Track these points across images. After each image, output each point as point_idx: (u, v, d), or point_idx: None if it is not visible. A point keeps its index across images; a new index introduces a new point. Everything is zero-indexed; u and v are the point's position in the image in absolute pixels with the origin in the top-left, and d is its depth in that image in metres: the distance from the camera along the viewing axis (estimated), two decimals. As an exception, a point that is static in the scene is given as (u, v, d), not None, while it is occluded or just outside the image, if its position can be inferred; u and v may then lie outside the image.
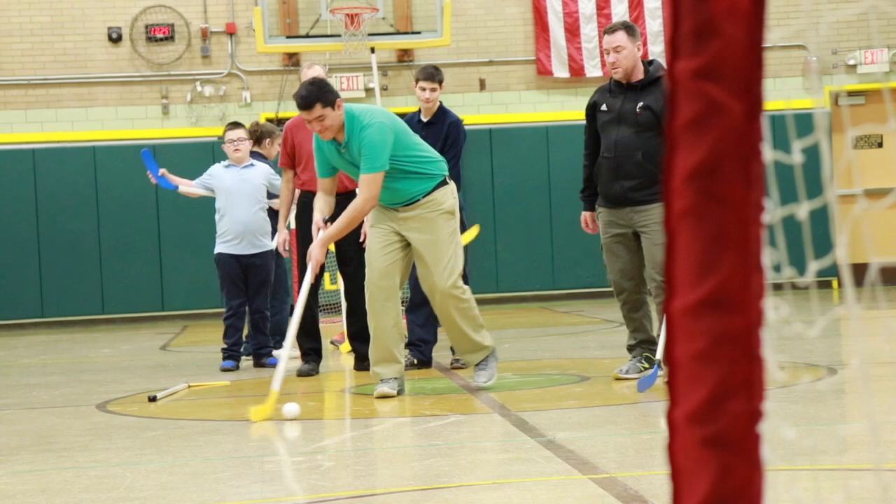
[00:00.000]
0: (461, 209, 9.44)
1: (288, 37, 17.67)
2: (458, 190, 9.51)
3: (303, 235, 9.55)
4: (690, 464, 1.50)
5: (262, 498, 5.01)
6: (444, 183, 8.05)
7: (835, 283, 17.17)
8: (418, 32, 17.36)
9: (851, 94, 18.58)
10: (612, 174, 8.09)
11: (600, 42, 18.11)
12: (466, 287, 8.08)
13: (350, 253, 9.57)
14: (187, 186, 10.59)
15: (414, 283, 9.15)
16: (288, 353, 7.96)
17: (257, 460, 5.90)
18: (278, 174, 10.48)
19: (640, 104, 8.04)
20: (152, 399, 8.33)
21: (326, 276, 12.09)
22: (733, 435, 1.49)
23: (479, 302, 8.50)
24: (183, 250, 17.51)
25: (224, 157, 10.60)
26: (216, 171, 10.45)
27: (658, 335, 8.06)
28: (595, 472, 5.15)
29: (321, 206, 8.07)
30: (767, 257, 1.52)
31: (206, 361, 11.10)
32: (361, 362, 9.67)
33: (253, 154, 10.83)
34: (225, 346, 10.39)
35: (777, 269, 1.62)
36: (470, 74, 18.49)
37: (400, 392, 7.95)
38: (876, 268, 1.80)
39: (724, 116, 1.47)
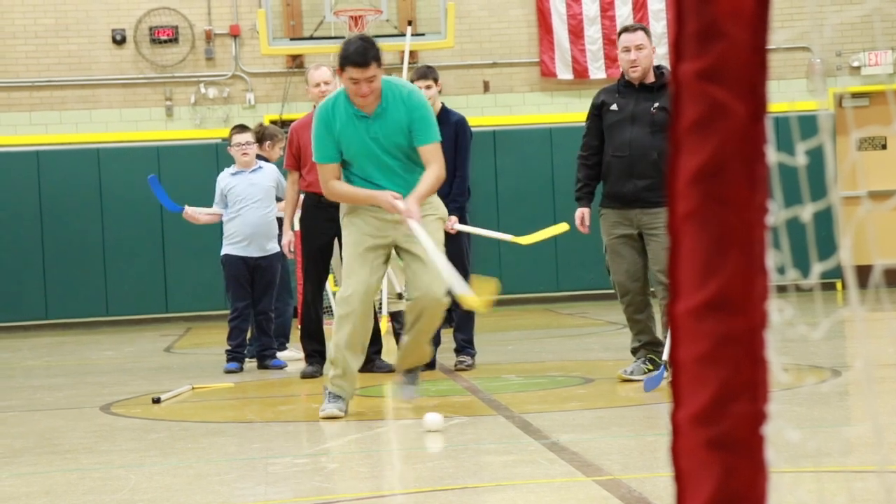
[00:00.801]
0: (466, 210, 9.45)
1: (292, 39, 17.68)
2: (468, 190, 9.51)
3: (307, 237, 9.55)
4: (694, 465, 1.50)
5: (265, 500, 5.01)
6: None
7: (839, 285, 17.16)
8: (422, 34, 17.36)
9: (855, 95, 18.57)
10: (626, 173, 8.07)
11: (604, 44, 18.12)
12: None
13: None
14: (196, 213, 10.53)
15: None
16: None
17: (261, 462, 5.90)
18: (283, 176, 10.49)
19: (657, 104, 8.04)
20: (156, 401, 8.33)
21: (331, 277, 12.08)
22: (737, 436, 1.49)
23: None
24: (187, 252, 17.51)
25: (227, 160, 10.59)
26: (224, 179, 10.44)
27: (664, 336, 8.05)
28: (599, 473, 5.14)
29: (353, 186, 7.16)
30: (771, 259, 1.52)
31: (210, 363, 11.10)
32: (365, 364, 9.66)
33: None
34: (229, 347, 10.39)
35: (781, 271, 1.62)
36: (474, 76, 18.50)
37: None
38: (880, 270, 1.80)
39: (728, 118, 1.47)
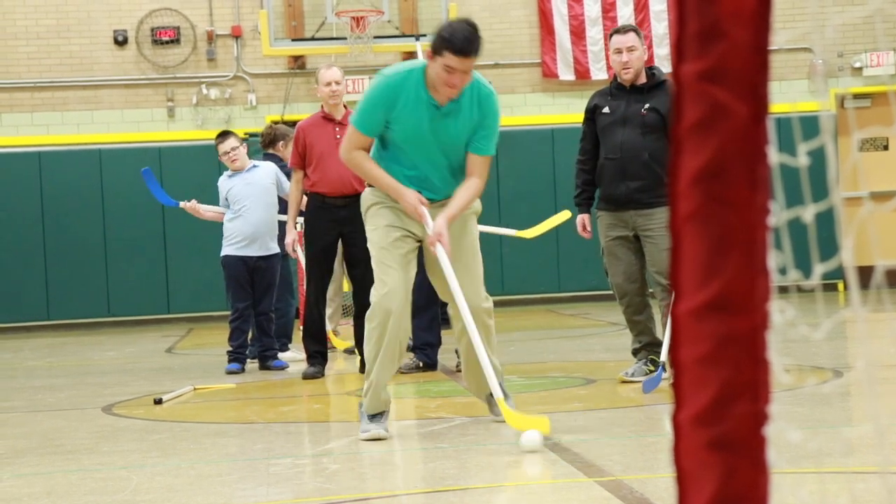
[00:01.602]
0: None
1: (293, 40, 17.68)
2: None
3: (311, 237, 9.56)
4: (696, 466, 1.50)
5: (267, 500, 5.01)
6: None
7: (840, 286, 17.16)
8: (423, 35, 17.37)
9: (857, 96, 18.56)
10: (618, 175, 8.08)
11: (606, 45, 18.12)
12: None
13: (358, 255, 9.57)
14: (199, 207, 10.54)
15: (417, 284, 9.11)
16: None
17: (263, 463, 5.91)
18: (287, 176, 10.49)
19: (647, 105, 8.05)
20: (158, 402, 8.33)
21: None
22: (739, 437, 1.49)
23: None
24: (188, 252, 17.52)
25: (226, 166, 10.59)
26: (223, 182, 10.44)
27: (663, 337, 8.05)
28: (600, 474, 5.14)
29: (379, 167, 6.43)
30: (773, 260, 1.52)
31: (212, 364, 11.10)
32: (366, 365, 9.67)
33: (268, 156, 10.85)
34: (230, 348, 10.39)
35: (783, 271, 1.62)
36: (475, 77, 18.48)
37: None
38: (882, 270, 1.80)
39: (729, 119, 1.47)
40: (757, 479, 1.50)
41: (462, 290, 6.30)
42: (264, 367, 10.37)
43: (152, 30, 18.08)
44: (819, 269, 1.73)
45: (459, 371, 9.49)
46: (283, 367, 10.33)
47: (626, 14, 18.20)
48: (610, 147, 8.11)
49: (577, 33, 18.33)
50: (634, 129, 8.04)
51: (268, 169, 10.44)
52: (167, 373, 10.75)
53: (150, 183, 10.75)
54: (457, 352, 9.50)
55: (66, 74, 17.91)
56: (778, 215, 1.56)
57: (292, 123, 15.70)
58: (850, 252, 1.73)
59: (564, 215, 10.28)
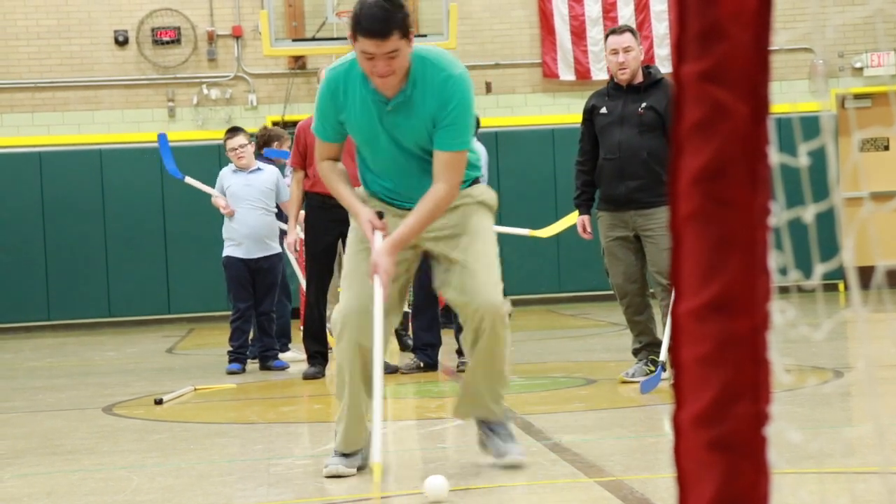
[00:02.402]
0: None
1: (294, 40, 17.68)
2: None
3: (311, 237, 9.56)
4: (696, 466, 1.50)
5: (267, 501, 5.01)
6: (476, 182, 5.65)
7: (841, 286, 17.15)
8: (424, 35, 17.36)
9: (858, 96, 18.56)
10: (617, 175, 8.08)
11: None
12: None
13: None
14: (197, 183, 10.66)
15: (417, 284, 9.13)
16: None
17: (263, 463, 5.90)
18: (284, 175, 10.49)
19: (644, 105, 8.05)
20: (158, 402, 8.33)
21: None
22: (739, 438, 1.49)
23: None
24: (189, 253, 17.52)
25: (229, 162, 10.60)
26: (224, 175, 10.46)
27: (663, 337, 8.05)
28: (601, 475, 5.14)
29: (344, 182, 5.50)
30: (773, 260, 1.52)
31: (213, 364, 11.10)
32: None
33: (261, 158, 10.86)
34: (231, 348, 10.39)
35: (783, 272, 1.62)
36: (476, 77, 18.50)
37: (361, 468, 5.52)
38: (882, 271, 1.80)
39: (730, 119, 1.47)
40: (757, 480, 1.50)
41: (482, 293, 5.29)
42: (265, 367, 10.37)
43: (153, 30, 18.08)
44: (819, 269, 1.73)
45: (460, 371, 9.50)
46: (283, 368, 10.33)
47: (626, 14, 18.20)
48: (608, 147, 8.11)
49: (578, 33, 18.33)
50: (632, 129, 8.04)
51: (270, 174, 10.45)
52: (168, 373, 10.75)
53: (163, 149, 10.81)
54: (457, 352, 9.50)
55: (67, 75, 17.91)
56: (778, 215, 1.56)
57: (293, 124, 15.70)
58: (851, 252, 1.73)
59: (576, 215, 10.28)
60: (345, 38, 17.04)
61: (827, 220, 2.07)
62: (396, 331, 11.43)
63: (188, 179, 10.72)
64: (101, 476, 5.73)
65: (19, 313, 17.63)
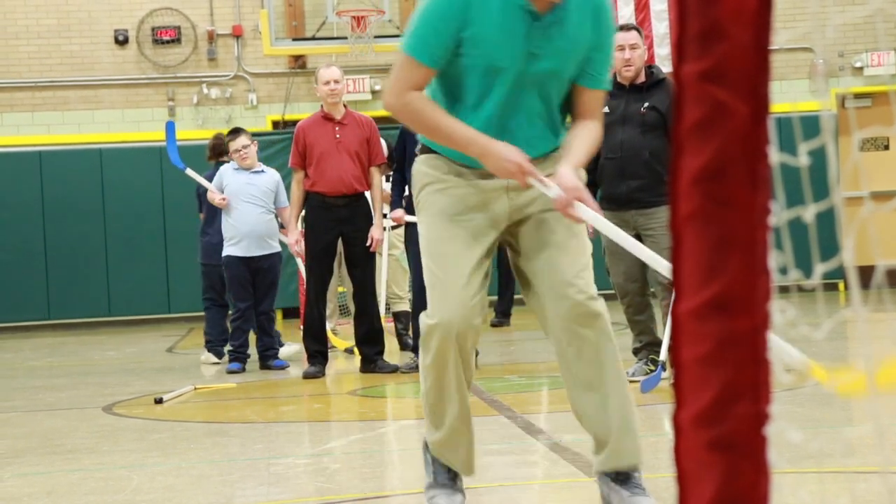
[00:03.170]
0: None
1: (294, 39, 17.68)
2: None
3: (311, 237, 9.56)
4: (696, 466, 1.50)
5: (268, 500, 5.01)
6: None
7: (841, 286, 17.15)
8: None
9: (858, 96, 18.56)
10: (618, 175, 8.08)
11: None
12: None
13: (358, 254, 9.59)
14: (198, 176, 10.74)
15: (419, 286, 9.12)
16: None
17: (263, 463, 5.91)
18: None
19: (646, 104, 8.05)
20: (158, 401, 8.34)
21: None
22: (739, 437, 1.49)
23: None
24: (189, 252, 17.48)
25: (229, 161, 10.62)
26: (226, 172, 10.48)
27: (663, 336, 8.06)
28: (601, 474, 5.14)
29: (446, 113, 4.17)
30: (773, 260, 1.52)
31: (213, 364, 11.10)
32: (368, 364, 9.68)
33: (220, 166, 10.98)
34: (231, 348, 10.40)
35: (783, 271, 1.62)
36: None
37: None
38: (882, 270, 1.80)
39: (730, 119, 1.47)
40: (757, 480, 1.50)
41: (567, 283, 4.22)
42: (265, 366, 10.38)
43: (153, 29, 18.08)
44: (820, 268, 1.73)
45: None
46: (283, 367, 10.33)
47: (626, 14, 18.19)
48: (610, 146, 8.11)
49: (578, 33, 18.32)
50: (634, 128, 8.04)
51: (272, 176, 10.50)
52: (168, 372, 10.75)
53: (169, 137, 10.90)
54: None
55: (67, 74, 17.91)
56: (779, 215, 1.56)
57: (293, 123, 15.69)
58: (851, 252, 1.73)
59: None
60: (345, 38, 17.06)
61: (827, 220, 2.07)
62: (397, 330, 11.43)
63: (189, 171, 10.77)
64: (101, 475, 5.73)
65: (19, 313, 17.63)
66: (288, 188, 10.15)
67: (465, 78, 4.19)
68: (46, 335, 16.85)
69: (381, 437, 6.89)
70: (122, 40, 17.98)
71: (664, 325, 8.02)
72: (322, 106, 9.72)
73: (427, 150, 4.40)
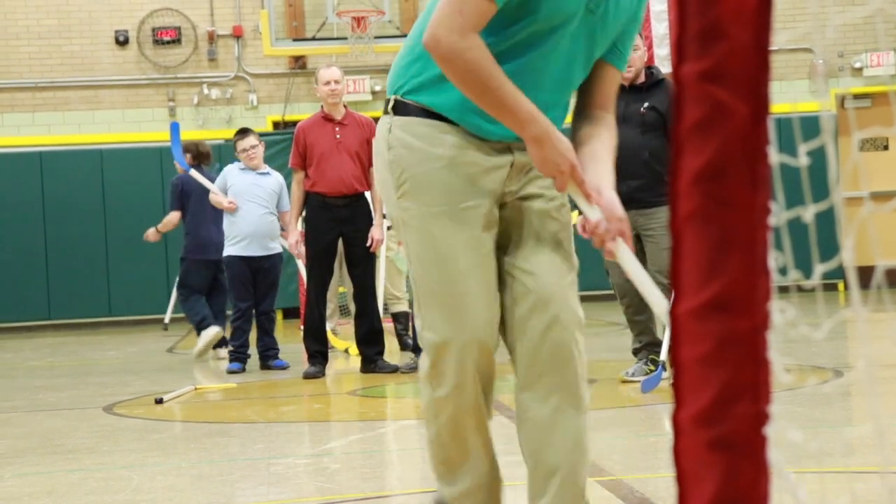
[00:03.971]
0: None
1: (294, 39, 17.68)
2: None
3: (312, 237, 9.56)
4: (696, 466, 1.51)
5: (268, 500, 5.01)
6: None
7: (841, 286, 17.15)
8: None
9: (857, 96, 18.56)
10: (618, 174, 8.07)
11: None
12: None
13: (358, 254, 9.59)
14: (201, 178, 10.79)
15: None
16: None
17: (264, 462, 5.91)
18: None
19: (646, 104, 8.06)
20: (159, 401, 8.34)
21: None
22: (739, 437, 1.49)
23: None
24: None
25: (230, 162, 10.63)
26: (230, 172, 10.50)
27: (663, 336, 8.06)
28: (601, 474, 5.14)
29: (502, 72, 3.18)
30: (773, 260, 1.52)
31: (213, 364, 11.11)
32: (368, 365, 9.68)
33: (197, 168, 11.04)
34: (231, 348, 10.40)
35: (783, 271, 1.62)
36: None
37: None
38: (882, 270, 1.81)
39: (730, 119, 1.47)
40: (757, 479, 1.51)
41: (538, 279, 3.51)
42: (265, 366, 10.38)
43: (153, 30, 18.08)
44: (819, 269, 1.73)
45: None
46: (283, 367, 10.34)
47: (626, 14, 18.20)
48: (610, 146, 8.12)
49: (578, 33, 18.33)
50: (634, 128, 8.05)
51: (277, 179, 10.54)
52: (168, 372, 10.75)
53: (174, 138, 10.95)
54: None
55: (68, 74, 17.91)
56: (778, 215, 1.56)
57: (293, 123, 15.69)
58: (851, 252, 1.73)
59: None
60: (345, 38, 17.06)
61: (827, 220, 2.08)
62: (396, 331, 11.43)
63: (193, 172, 10.80)
64: (101, 475, 5.73)
65: (20, 313, 17.63)
66: (288, 188, 10.18)
67: (521, 36, 3.28)
68: (47, 335, 16.84)
69: (381, 437, 6.90)
70: (122, 41, 17.98)
71: (664, 325, 8.03)
72: (322, 106, 9.72)
73: (407, 107, 3.37)
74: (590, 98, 3.47)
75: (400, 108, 3.38)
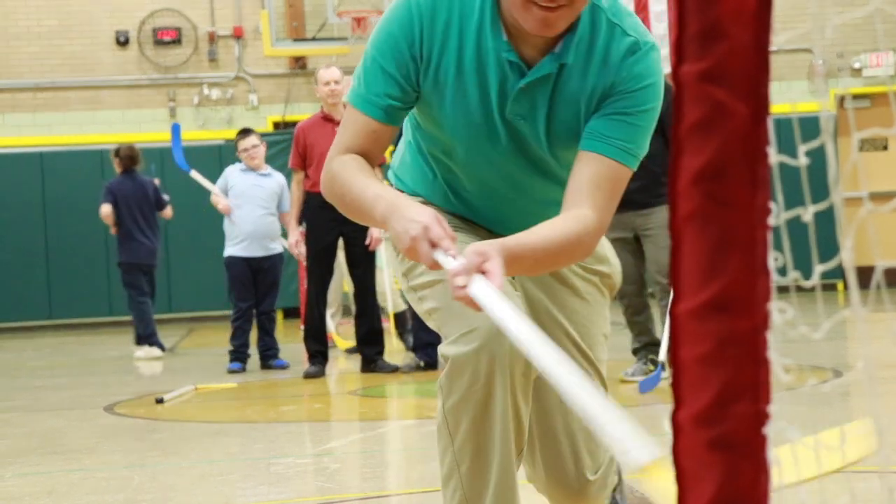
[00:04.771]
0: None
1: (295, 40, 17.69)
2: None
3: (311, 237, 9.57)
4: (696, 466, 1.51)
5: (268, 500, 5.01)
6: None
7: (840, 286, 17.16)
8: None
9: (857, 97, 18.57)
10: None
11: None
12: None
13: (359, 255, 9.60)
14: (202, 179, 10.82)
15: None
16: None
17: (264, 462, 5.91)
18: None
19: (645, 105, 8.07)
20: (159, 401, 8.34)
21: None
22: (739, 437, 1.50)
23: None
24: (190, 252, 17.51)
25: (230, 162, 10.64)
26: (231, 172, 10.51)
27: (662, 336, 8.07)
28: (601, 474, 5.14)
29: (368, 173, 2.93)
30: (773, 260, 1.53)
31: (213, 363, 11.11)
32: (368, 364, 9.69)
33: (127, 173, 11.18)
34: (232, 348, 10.41)
35: (782, 271, 1.63)
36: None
37: None
38: (881, 270, 1.81)
39: (729, 119, 1.47)
40: (757, 479, 1.51)
41: (548, 457, 3.41)
42: (266, 366, 10.39)
43: (154, 30, 18.08)
44: (819, 269, 1.74)
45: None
46: (284, 367, 10.35)
47: (626, 14, 18.21)
48: (608, 147, 8.13)
49: (578, 33, 18.33)
50: (632, 130, 8.06)
51: (278, 180, 10.55)
52: (168, 372, 10.76)
53: (175, 140, 10.98)
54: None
55: (68, 75, 17.91)
56: (778, 215, 1.57)
57: (293, 124, 15.69)
58: (850, 252, 1.73)
59: None
60: (345, 38, 17.06)
61: (826, 220, 2.08)
62: (396, 331, 11.43)
63: (193, 173, 10.81)
64: (102, 475, 5.74)
65: (21, 313, 17.63)
66: (288, 188, 10.19)
67: (437, 135, 3.01)
68: (48, 335, 16.85)
69: (381, 437, 6.90)
70: (123, 41, 17.98)
71: (662, 325, 8.03)
72: (322, 107, 9.73)
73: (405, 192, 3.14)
74: (569, 188, 2.83)
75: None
